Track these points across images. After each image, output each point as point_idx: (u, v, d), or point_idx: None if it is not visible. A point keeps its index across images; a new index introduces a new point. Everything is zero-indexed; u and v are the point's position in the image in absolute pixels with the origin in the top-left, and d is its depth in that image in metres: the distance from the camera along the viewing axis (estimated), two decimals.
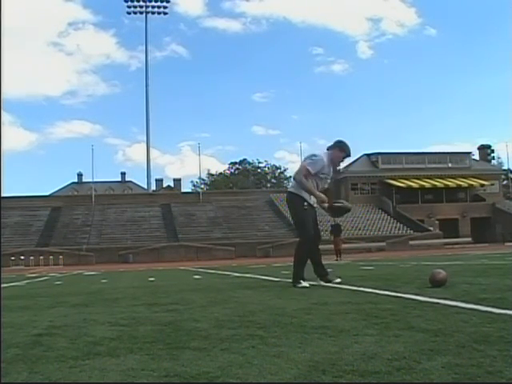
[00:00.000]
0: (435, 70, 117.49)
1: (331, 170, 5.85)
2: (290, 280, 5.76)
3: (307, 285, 5.43)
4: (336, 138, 5.81)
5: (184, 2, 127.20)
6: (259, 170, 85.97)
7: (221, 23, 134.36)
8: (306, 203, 5.62)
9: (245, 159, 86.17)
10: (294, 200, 5.71)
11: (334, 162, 5.77)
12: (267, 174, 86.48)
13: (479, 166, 57.98)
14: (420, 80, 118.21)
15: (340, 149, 5.72)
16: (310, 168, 5.57)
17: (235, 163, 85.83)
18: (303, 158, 6.01)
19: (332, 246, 21.58)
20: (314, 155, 5.66)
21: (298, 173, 5.66)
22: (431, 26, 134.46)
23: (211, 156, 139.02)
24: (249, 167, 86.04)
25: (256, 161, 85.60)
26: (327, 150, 5.75)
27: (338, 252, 21.59)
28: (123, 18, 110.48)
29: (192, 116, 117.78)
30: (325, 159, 5.63)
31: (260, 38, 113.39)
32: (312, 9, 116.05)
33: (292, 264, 5.79)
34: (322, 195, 5.66)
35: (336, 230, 22.04)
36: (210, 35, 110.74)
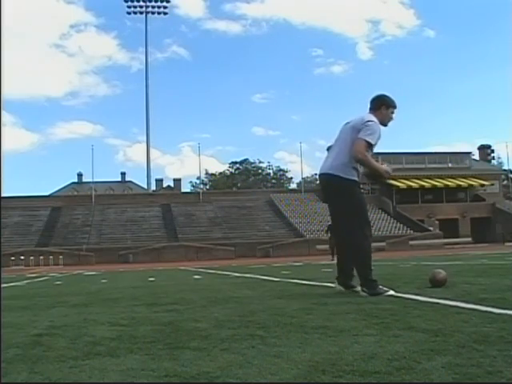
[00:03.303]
0: (435, 71, 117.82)
1: None
2: (363, 290, 4.20)
3: (393, 292, 4.17)
4: (373, 96, 4.58)
5: (185, 4, 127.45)
6: (260, 171, 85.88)
7: (221, 25, 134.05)
8: (361, 186, 4.57)
9: (246, 159, 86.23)
10: (347, 185, 4.45)
11: (384, 124, 4.55)
12: (268, 174, 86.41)
13: (479, 166, 57.96)
14: (420, 81, 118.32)
15: (387, 105, 4.53)
16: (371, 140, 4.32)
17: (236, 163, 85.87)
18: (346, 123, 4.59)
19: (328, 246, 21.64)
20: (368, 120, 4.36)
21: (358, 151, 4.31)
22: (430, 27, 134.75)
23: (211, 156, 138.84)
24: (249, 167, 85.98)
25: (257, 161, 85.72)
26: (371, 111, 4.55)
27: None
28: (125, 20, 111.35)
29: (192, 116, 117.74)
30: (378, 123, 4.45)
31: (260, 39, 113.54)
32: (312, 11, 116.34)
33: (357, 266, 4.39)
34: (384, 167, 4.66)
35: None
36: (210, 37, 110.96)
